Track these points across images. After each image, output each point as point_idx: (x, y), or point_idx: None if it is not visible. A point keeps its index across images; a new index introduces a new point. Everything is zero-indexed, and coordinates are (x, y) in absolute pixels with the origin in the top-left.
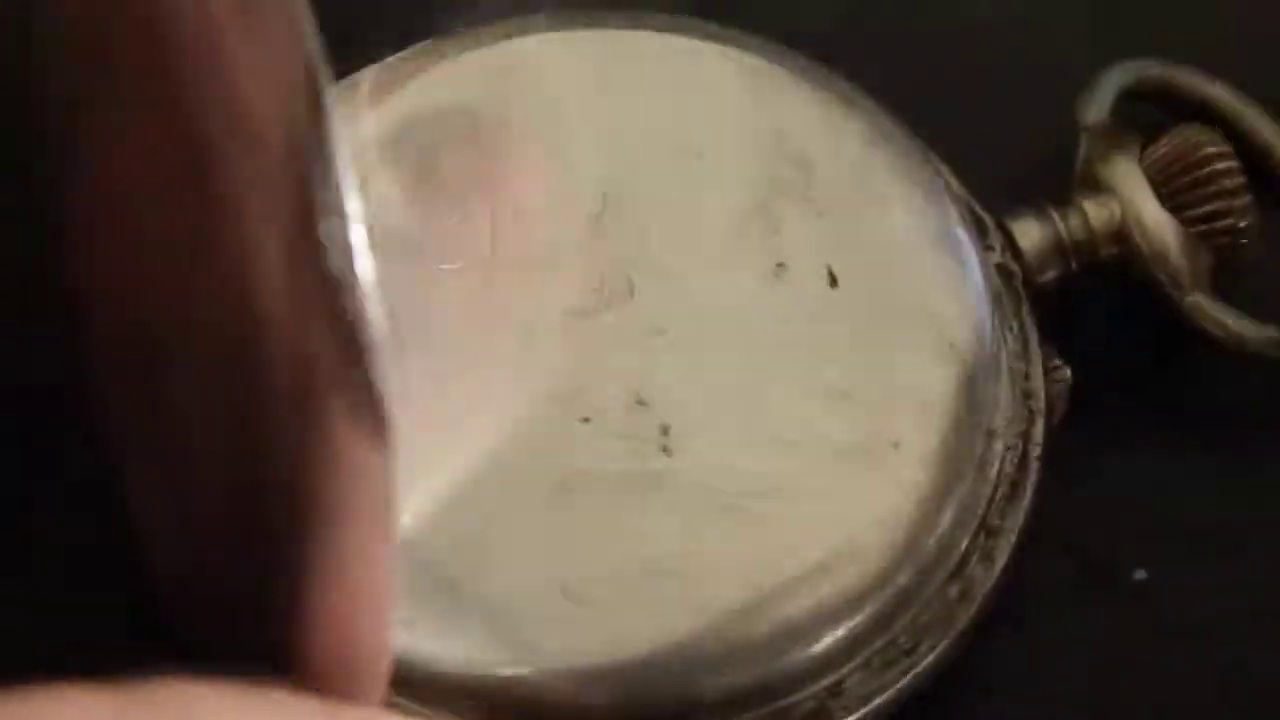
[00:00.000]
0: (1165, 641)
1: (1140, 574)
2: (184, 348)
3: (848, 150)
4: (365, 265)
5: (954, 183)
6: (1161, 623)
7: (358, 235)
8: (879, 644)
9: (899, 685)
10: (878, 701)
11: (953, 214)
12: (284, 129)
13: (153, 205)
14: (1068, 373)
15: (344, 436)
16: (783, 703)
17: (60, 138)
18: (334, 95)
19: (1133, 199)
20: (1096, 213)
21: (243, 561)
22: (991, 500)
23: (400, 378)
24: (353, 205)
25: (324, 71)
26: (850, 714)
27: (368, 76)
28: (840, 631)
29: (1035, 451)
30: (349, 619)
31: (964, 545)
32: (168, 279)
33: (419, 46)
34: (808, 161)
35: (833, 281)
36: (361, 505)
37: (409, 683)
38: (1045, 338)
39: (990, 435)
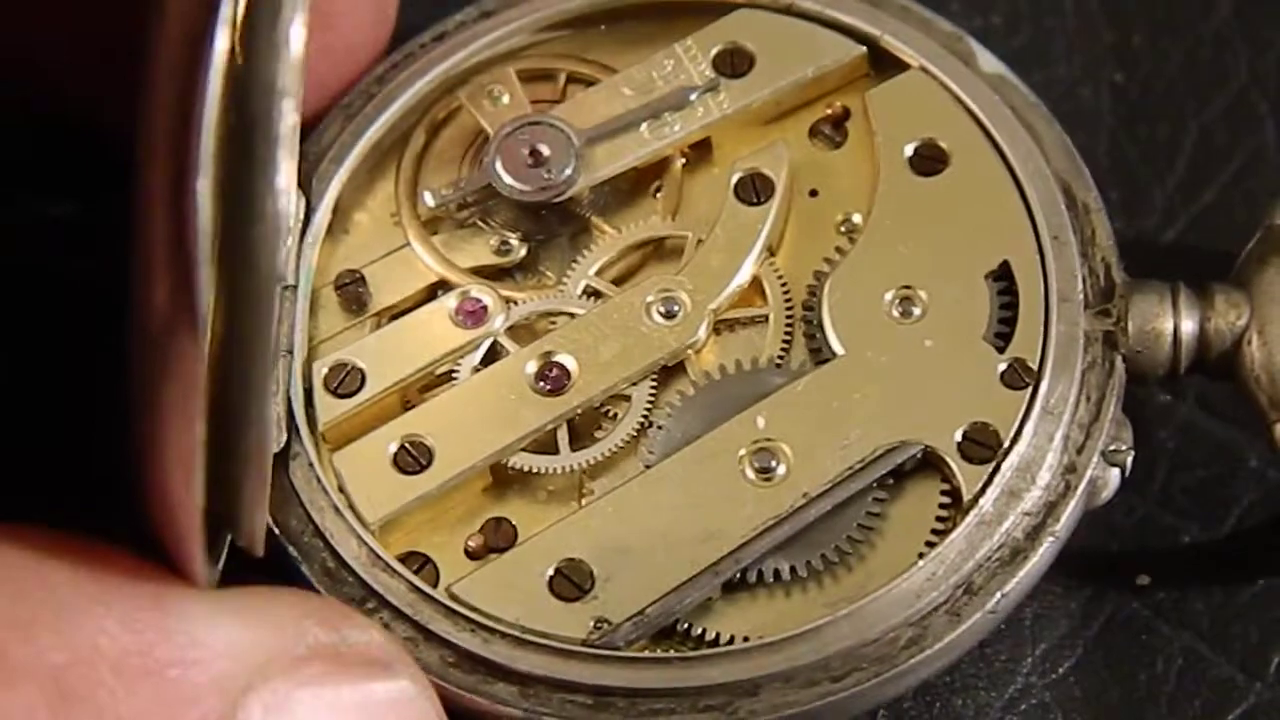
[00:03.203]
0: None
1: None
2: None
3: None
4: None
5: (1103, 234)
6: None
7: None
8: (807, 661)
9: (808, 706)
10: (786, 714)
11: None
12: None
13: None
14: (1127, 459)
15: (163, 315)
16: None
17: None
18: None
19: (1266, 307)
20: (1224, 308)
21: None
22: (985, 559)
23: None
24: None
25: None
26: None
27: None
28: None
29: (1053, 526)
30: (167, 478)
31: (933, 594)
32: None
33: None
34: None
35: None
36: (175, 381)
37: None
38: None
39: (1012, 494)
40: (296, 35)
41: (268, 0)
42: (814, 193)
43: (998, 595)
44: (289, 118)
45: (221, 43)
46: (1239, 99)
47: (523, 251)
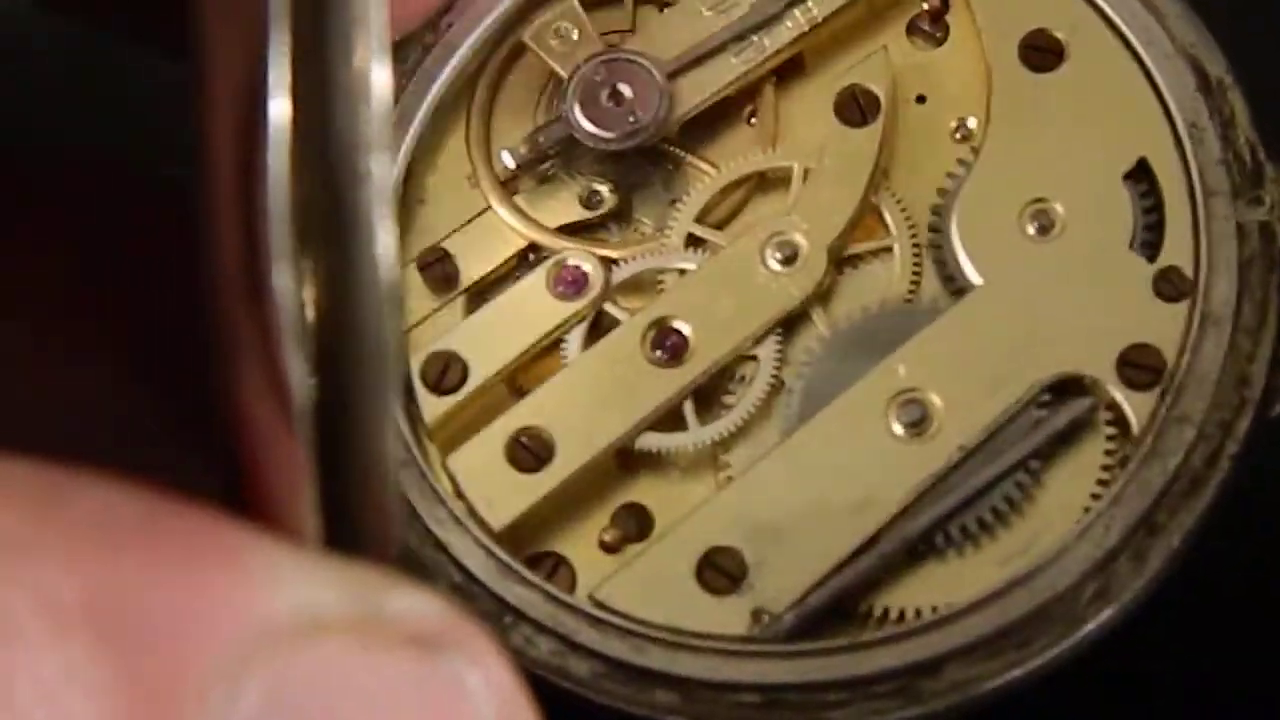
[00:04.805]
0: None
1: None
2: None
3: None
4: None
5: (1241, 112)
6: None
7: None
8: (989, 630)
9: (995, 681)
10: (971, 693)
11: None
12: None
13: None
14: None
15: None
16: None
17: None
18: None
19: None
20: None
21: None
22: (1163, 494)
23: None
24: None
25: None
26: (941, 701)
27: None
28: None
29: (1232, 449)
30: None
31: (1113, 539)
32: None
33: None
34: None
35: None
36: None
37: None
38: None
39: (1183, 418)
40: (379, 76)
41: (333, 38)
42: (921, 99)
43: (1183, 531)
44: (384, 175)
45: (279, 104)
46: None
47: (613, 201)
